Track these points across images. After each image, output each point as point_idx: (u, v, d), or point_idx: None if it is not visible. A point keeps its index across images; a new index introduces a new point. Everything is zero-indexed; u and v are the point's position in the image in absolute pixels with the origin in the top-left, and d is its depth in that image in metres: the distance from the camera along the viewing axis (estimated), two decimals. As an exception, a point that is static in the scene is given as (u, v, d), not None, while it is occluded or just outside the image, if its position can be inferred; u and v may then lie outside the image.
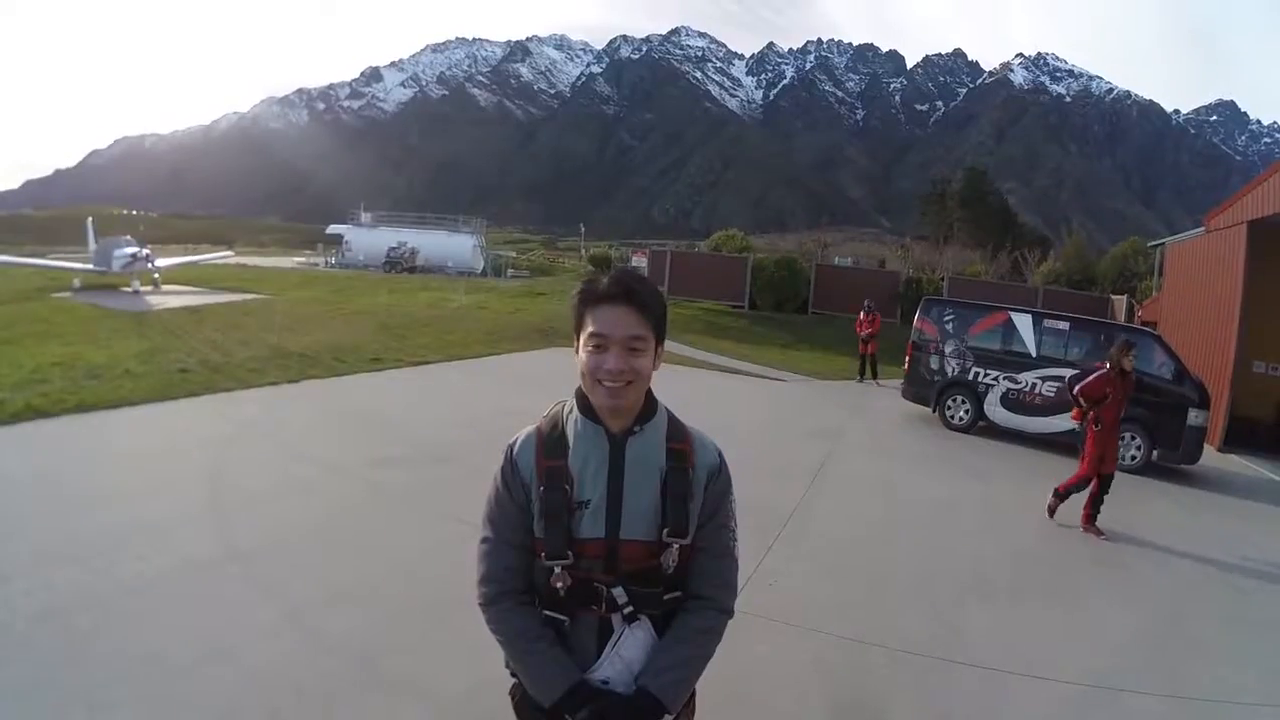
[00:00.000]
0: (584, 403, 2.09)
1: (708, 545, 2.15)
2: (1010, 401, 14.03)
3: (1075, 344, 13.75)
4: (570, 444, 2.07)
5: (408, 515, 7.13)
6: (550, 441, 2.09)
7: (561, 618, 2.07)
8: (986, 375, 14.33)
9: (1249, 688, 5.48)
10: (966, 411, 14.54)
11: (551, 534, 2.02)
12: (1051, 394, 13.49)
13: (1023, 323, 14.32)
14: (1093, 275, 47.27)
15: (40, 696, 3.95)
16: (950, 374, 14.81)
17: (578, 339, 2.05)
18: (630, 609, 2.04)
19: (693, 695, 2.19)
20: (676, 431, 2.16)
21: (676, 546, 2.07)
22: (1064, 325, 14.15)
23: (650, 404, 2.13)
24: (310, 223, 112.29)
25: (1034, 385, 13.76)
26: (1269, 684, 5.59)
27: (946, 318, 15.24)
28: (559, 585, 2.03)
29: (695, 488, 2.10)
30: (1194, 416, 12.28)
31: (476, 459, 9.09)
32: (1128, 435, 12.48)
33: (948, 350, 14.91)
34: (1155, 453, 12.47)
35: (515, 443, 2.14)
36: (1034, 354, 13.96)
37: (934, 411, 14.98)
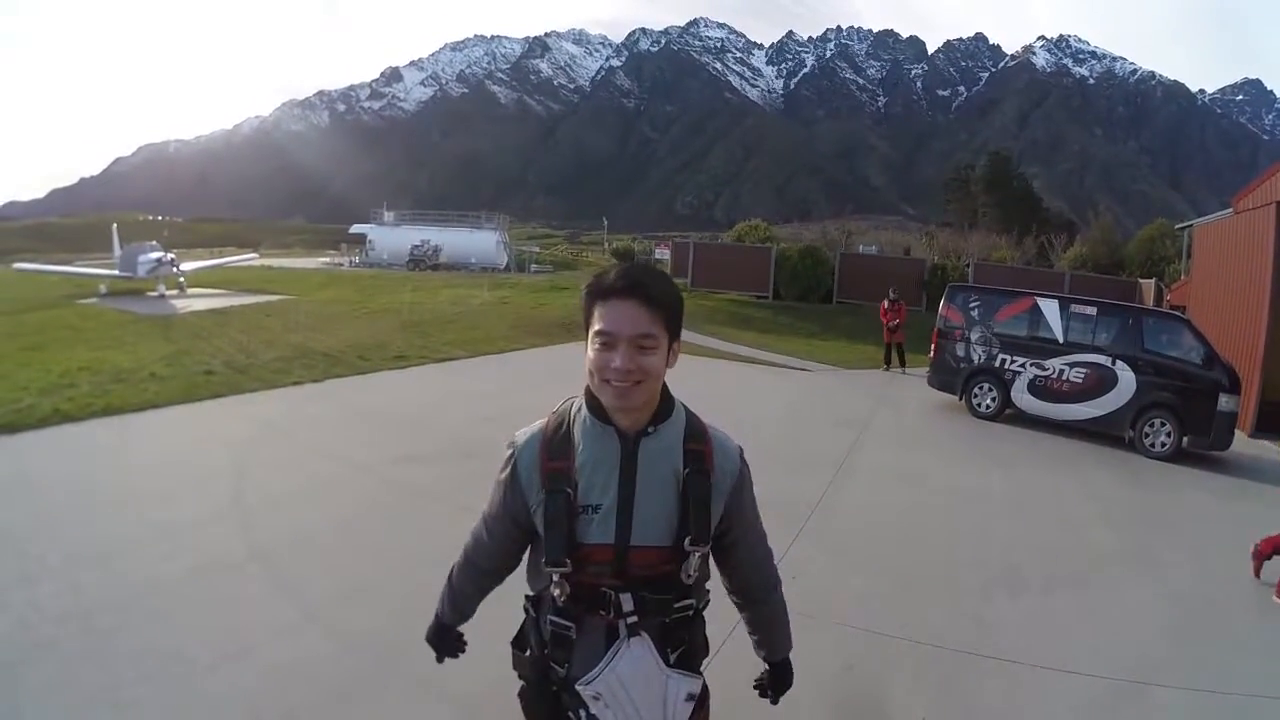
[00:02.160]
0: (593, 401, 1.99)
1: (754, 545, 2.19)
2: (1038, 388, 13.86)
3: (1103, 329, 13.54)
4: (577, 444, 1.99)
5: (432, 511, 7.10)
6: (555, 441, 2.01)
7: (568, 623, 2.00)
8: (1013, 362, 14.15)
9: (1281, 679, 5.39)
10: (993, 399, 14.37)
11: (552, 541, 1.95)
12: (1080, 380, 13.36)
13: (1049, 308, 14.16)
14: (1120, 259, 46.67)
15: (65, 696, 3.98)
16: (976, 361, 14.66)
17: (587, 335, 1.95)
18: (634, 619, 1.97)
19: (706, 695, 2.15)
20: (695, 432, 2.05)
21: (697, 555, 1.99)
22: (1091, 310, 13.93)
23: (667, 403, 2.03)
24: (334, 223, 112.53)
25: (1062, 372, 13.58)
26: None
27: (972, 304, 15.11)
28: (558, 593, 1.97)
29: (716, 493, 2.01)
30: (1225, 402, 12.09)
31: (501, 454, 9.12)
32: (1157, 421, 12.42)
33: (974, 337, 14.77)
34: (1185, 439, 12.27)
35: (518, 443, 2.07)
36: (1061, 340, 13.79)
37: (960, 399, 14.84)
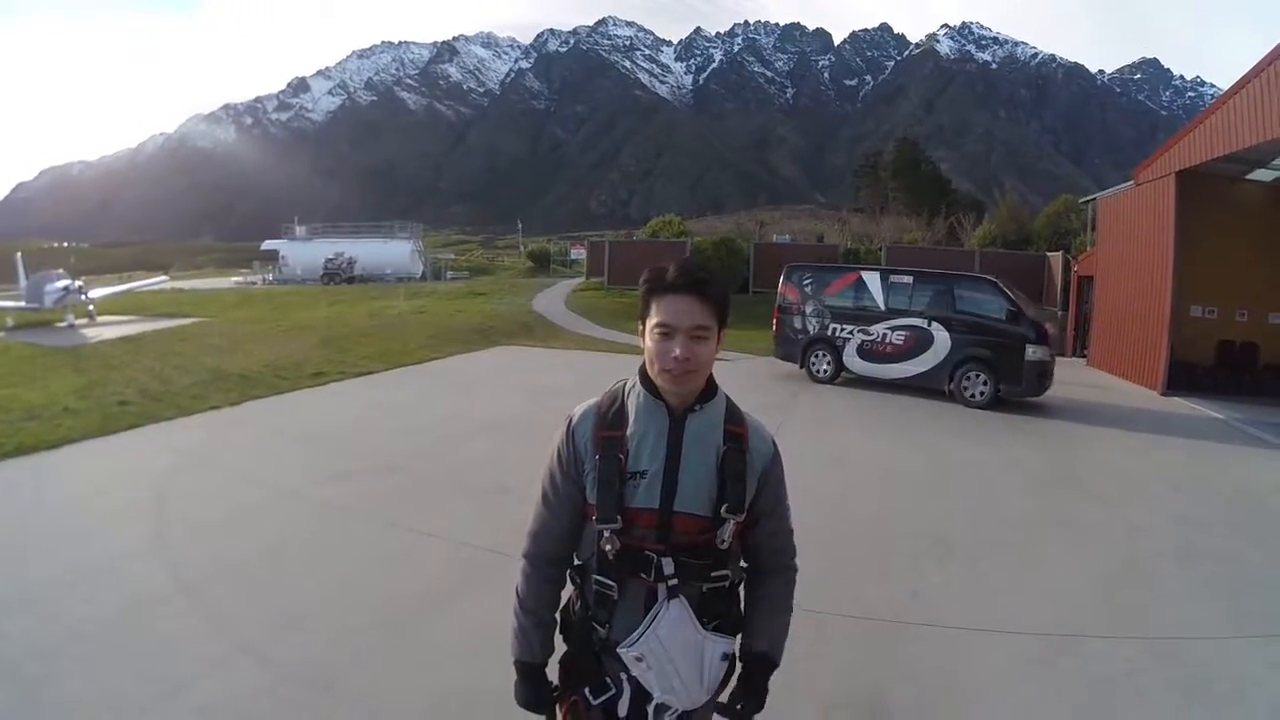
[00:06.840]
0: (647, 379, 2.21)
1: (775, 528, 2.36)
2: (865, 351, 15.29)
3: (919, 295, 14.88)
4: (630, 416, 2.20)
5: (360, 530, 7.03)
6: (609, 415, 2.22)
7: (611, 583, 2.18)
8: (843, 330, 15.53)
9: (1211, 621, 5.64)
10: (829, 364, 15.83)
11: (604, 500, 2.14)
12: (901, 342, 14.78)
13: (872, 280, 15.63)
14: (1028, 235, 47.75)
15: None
16: (812, 332, 16.03)
17: (643, 325, 2.18)
18: (675, 582, 2.13)
19: (734, 662, 2.33)
20: (734, 415, 2.28)
21: (732, 523, 2.18)
22: (908, 279, 15.30)
23: (711, 386, 2.24)
24: (245, 240, 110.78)
25: (884, 335, 15.02)
26: (1230, 615, 5.75)
27: (806, 281, 16.48)
28: (608, 549, 2.14)
29: (751, 470, 2.23)
30: (1031, 352, 13.48)
31: (426, 466, 9.10)
32: (973, 374, 13.88)
33: (808, 310, 16.12)
34: (1001, 388, 13.68)
35: (574, 416, 2.28)
36: (883, 307, 15.15)
37: (801, 367, 16.23)
